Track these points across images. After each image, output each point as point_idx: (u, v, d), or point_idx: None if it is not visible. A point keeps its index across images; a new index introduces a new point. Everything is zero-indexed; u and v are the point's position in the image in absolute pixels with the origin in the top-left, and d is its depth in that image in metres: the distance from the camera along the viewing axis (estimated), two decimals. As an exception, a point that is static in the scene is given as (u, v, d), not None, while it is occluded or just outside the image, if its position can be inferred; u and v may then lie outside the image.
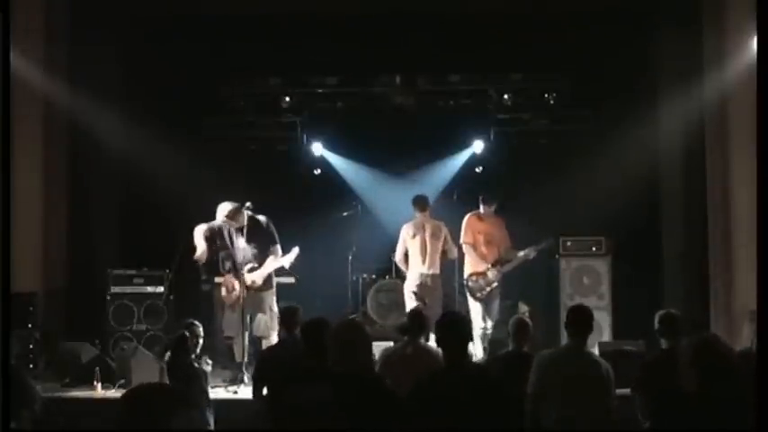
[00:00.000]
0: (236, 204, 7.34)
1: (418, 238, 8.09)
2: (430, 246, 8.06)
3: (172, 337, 5.72)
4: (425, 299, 7.96)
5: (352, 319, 4.54)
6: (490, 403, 3.58)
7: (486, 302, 8.02)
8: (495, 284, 8.02)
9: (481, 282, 8.05)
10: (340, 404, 3.42)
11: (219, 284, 7.34)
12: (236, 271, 7.22)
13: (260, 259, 7.38)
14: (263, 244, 7.38)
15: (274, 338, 7.24)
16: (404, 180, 10.62)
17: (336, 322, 4.14)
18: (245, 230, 7.34)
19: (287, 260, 7.36)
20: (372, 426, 3.38)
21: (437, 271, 8.06)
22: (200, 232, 7.27)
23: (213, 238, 7.29)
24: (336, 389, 3.49)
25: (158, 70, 9.07)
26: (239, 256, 7.28)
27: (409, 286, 8.09)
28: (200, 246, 7.23)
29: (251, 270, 7.30)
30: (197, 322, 5.72)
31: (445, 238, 8.14)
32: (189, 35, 8.88)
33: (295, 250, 7.39)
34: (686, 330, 5.10)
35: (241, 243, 7.33)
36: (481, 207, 8.22)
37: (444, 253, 8.11)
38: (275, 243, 7.43)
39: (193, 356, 5.51)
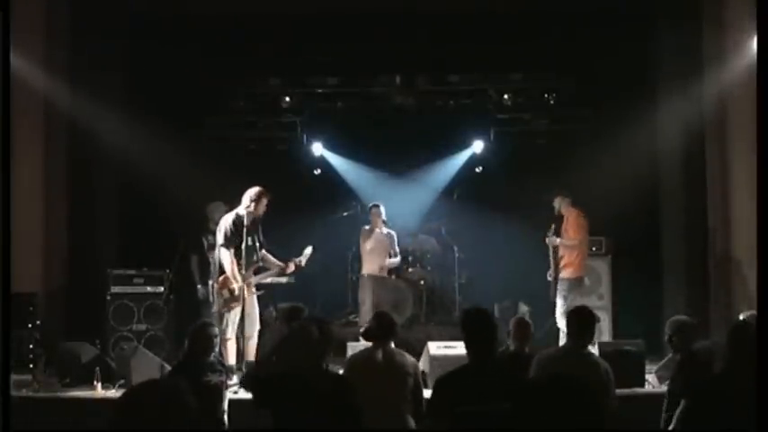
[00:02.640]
0: (259, 189, 7.08)
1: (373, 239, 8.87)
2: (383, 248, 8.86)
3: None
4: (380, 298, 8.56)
5: (314, 318, 4.34)
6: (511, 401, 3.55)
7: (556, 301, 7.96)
8: (557, 285, 7.92)
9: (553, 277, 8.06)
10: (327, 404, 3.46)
11: (223, 284, 7.03)
12: (245, 270, 6.98)
13: (263, 263, 7.21)
14: (262, 243, 7.22)
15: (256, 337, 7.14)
16: (404, 180, 10.62)
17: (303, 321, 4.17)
18: (255, 225, 7.10)
19: (304, 259, 7.23)
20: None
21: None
22: (229, 221, 6.97)
23: (234, 230, 6.96)
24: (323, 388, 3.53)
25: (158, 70, 9.06)
26: (250, 255, 7.07)
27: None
28: (225, 236, 6.95)
29: (258, 271, 7.13)
30: (210, 321, 5.51)
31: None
32: (189, 35, 8.88)
33: (309, 249, 7.25)
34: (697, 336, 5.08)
35: (251, 239, 7.07)
36: None
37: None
38: (263, 246, 7.24)
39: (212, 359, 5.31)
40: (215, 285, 7.05)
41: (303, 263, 7.24)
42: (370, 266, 8.81)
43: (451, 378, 3.83)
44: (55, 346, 7.33)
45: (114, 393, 6.44)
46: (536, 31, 8.99)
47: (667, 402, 4.46)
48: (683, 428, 3.80)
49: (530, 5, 8.70)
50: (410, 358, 4.94)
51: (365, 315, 8.41)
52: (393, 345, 4.95)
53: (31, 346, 7.21)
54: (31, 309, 7.40)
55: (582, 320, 4.77)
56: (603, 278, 8.70)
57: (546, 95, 10.18)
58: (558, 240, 7.98)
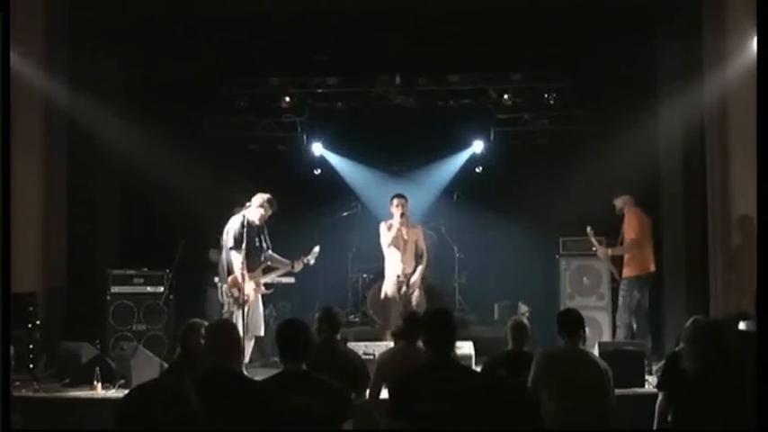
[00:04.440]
0: (269, 196, 7.22)
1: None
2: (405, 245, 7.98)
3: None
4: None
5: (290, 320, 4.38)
6: (473, 401, 3.59)
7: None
8: (619, 285, 8.12)
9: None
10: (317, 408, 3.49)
11: (233, 284, 7.08)
12: (252, 270, 7.09)
13: (270, 263, 7.35)
14: (267, 244, 7.34)
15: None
16: (404, 180, 10.62)
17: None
18: (264, 228, 7.26)
19: (312, 257, 7.33)
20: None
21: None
22: (236, 223, 7.08)
23: (242, 232, 7.03)
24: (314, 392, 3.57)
25: (158, 70, 9.06)
26: (258, 256, 7.20)
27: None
28: (234, 238, 7.04)
29: (266, 270, 7.26)
30: (200, 321, 5.46)
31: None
32: (189, 35, 8.88)
33: (317, 248, 7.35)
34: None
35: (258, 241, 7.23)
36: None
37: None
38: (269, 247, 7.36)
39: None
40: (224, 286, 7.13)
41: (312, 261, 7.35)
42: (392, 267, 7.87)
43: (409, 377, 3.89)
44: (55, 346, 7.35)
45: (114, 393, 6.45)
46: (536, 31, 8.98)
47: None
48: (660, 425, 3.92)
49: (530, 6, 8.69)
50: None
51: (387, 320, 7.78)
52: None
53: (31, 346, 7.20)
54: (31, 309, 7.40)
55: (572, 321, 4.91)
56: (603, 278, 8.70)
57: (546, 95, 10.19)
58: (610, 251, 8.09)
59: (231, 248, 7.04)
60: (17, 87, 6.81)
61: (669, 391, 4.14)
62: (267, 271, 7.32)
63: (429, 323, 4.02)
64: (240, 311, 6.95)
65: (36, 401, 6.40)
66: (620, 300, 7.95)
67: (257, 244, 7.18)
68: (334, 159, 10.94)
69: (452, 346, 3.98)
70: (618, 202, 8.20)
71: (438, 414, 3.49)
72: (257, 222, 7.16)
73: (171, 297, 8.19)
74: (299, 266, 7.36)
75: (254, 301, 7.14)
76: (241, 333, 6.84)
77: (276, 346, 4.07)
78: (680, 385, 3.92)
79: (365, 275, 10.15)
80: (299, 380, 3.82)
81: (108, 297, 8.07)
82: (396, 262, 7.85)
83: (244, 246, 6.92)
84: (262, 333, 7.25)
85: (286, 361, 3.94)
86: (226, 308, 7.12)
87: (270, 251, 7.35)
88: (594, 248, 8.21)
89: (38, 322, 7.42)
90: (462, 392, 3.52)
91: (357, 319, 9.93)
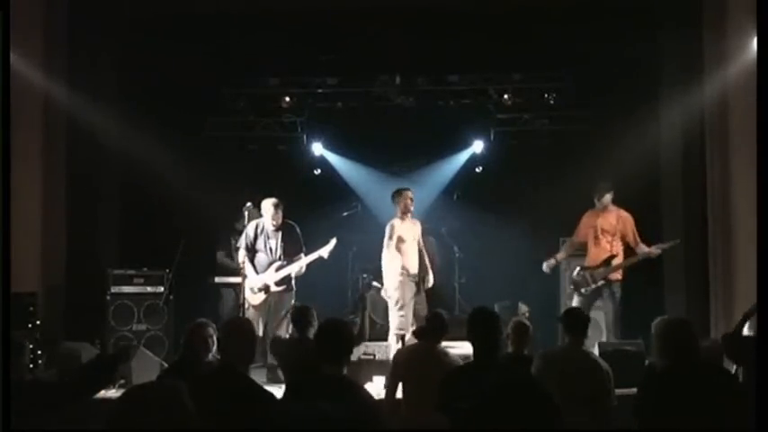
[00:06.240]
0: (277, 201, 7.50)
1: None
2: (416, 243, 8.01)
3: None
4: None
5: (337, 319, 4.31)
6: (515, 401, 3.59)
7: (589, 300, 7.88)
8: (602, 283, 7.83)
9: (587, 277, 7.92)
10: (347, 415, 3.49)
11: (242, 283, 7.41)
12: (265, 271, 7.41)
13: (286, 261, 7.53)
14: (290, 247, 7.53)
15: None
16: (404, 180, 10.61)
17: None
18: (279, 232, 7.52)
19: (325, 251, 7.44)
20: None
21: None
22: (251, 229, 7.50)
23: (257, 236, 7.50)
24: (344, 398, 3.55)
25: (158, 70, 9.06)
26: (271, 257, 7.46)
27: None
28: (243, 241, 7.49)
29: (279, 268, 7.43)
30: (207, 321, 5.22)
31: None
32: (189, 35, 8.88)
33: (333, 241, 7.47)
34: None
35: (273, 244, 7.50)
36: (595, 201, 8.12)
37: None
38: (302, 250, 7.56)
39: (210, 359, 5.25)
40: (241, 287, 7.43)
41: (326, 255, 7.48)
42: (408, 266, 7.67)
43: (456, 374, 3.94)
44: (55, 346, 7.34)
45: (114, 393, 6.43)
46: (536, 30, 8.99)
47: None
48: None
49: (530, 6, 8.69)
50: (454, 357, 5.10)
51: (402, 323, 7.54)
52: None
53: (31, 346, 7.19)
54: (31, 309, 7.40)
55: (579, 321, 4.92)
56: (603, 278, 8.67)
57: (546, 95, 10.18)
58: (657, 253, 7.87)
59: (236, 249, 7.57)
60: (17, 87, 6.80)
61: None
62: (280, 269, 7.48)
63: (471, 323, 4.08)
64: (252, 311, 7.26)
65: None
66: (613, 301, 7.84)
67: (272, 246, 7.48)
68: (334, 159, 10.94)
69: (497, 346, 4.10)
70: (608, 197, 8.03)
71: (477, 411, 3.51)
72: (271, 228, 7.46)
73: (171, 297, 8.19)
74: (307, 260, 7.48)
75: (276, 302, 7.37)
76: (258, 332, 7.02)
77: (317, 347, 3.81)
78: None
79: (365, 275, 10.15)
80: (332, 385, 3.55)
81: (108, 297, 8.07)
82: (410, 264, 7.72)
83: (258, 249, 7.42)
84: (284, 333, 7.25)
85: (324, 363, 3.66)
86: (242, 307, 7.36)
87: (300, 254, 7.53)
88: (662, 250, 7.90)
89: (38, 322, 7.42)
90: (502, 391, 3.56)
91: (357, 320, 9.92)
